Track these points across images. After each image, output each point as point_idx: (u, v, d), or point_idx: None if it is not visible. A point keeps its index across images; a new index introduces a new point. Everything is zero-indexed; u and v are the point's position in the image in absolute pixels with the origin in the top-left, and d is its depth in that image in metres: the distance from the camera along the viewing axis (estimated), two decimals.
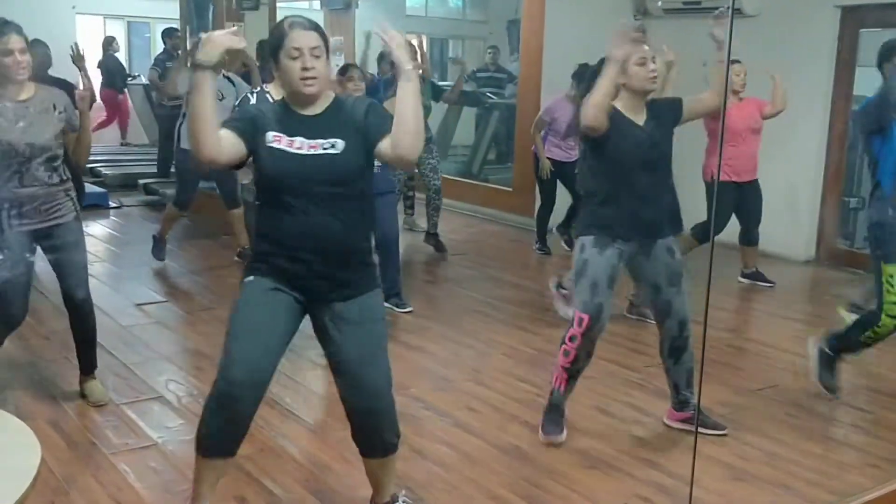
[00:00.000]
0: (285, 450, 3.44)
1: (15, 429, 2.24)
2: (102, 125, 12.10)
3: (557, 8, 7.50)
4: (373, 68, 8.70)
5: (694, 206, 5.99)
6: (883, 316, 3.83)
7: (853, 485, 3.30)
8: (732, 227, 6.14)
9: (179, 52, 9.37)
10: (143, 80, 11.31)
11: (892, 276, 3.73)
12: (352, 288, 2.65)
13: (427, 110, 6.63)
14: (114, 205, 8.65)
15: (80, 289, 3.79)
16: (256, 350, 2.56)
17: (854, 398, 4.23)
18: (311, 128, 2.59)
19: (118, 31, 13.20)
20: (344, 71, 5.16)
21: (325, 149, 2.57)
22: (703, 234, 6.05)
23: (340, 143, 2.58)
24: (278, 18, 9.15)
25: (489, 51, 11.78)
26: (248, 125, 2.60)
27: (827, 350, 4.10)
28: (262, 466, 3.31)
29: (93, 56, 12.14)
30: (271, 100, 3.99)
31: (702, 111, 3.73)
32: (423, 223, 7.42)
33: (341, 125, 2.61)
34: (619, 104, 3.45)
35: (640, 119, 3.48)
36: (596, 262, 3.44)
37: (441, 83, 11.01)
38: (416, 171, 6.86)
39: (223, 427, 2.61)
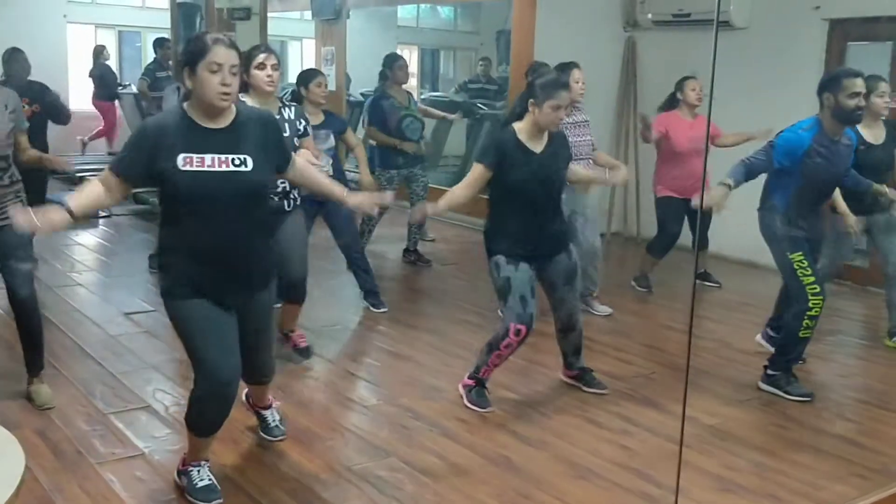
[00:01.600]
0: (272, 459, 3.43)
1: (0, 438, 2.24)
2: (101, 134, 12.04)
3: (548, 19, 7.53)
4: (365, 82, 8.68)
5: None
6: (809, 297, 4.11)
7: (840, 495, 3.31)
8: (726, 241, 6.17)
9: (171, 62, 9.40)
10: (134, 89, 11.29)
11: (800, 261, 4.13)
12: (257, 285, 3.01)
13: (423, 123, 6.62)
14: (103, 214, 8.62)
15: (23, 288, 3.84)
16: (231, 353, 2.93)
17: (841, 409, 4.25)
18: (219, 143, 2.80)
19: (109, 41, 13.17)
20: (311, 76, 5.13)
21: (236, 165, 2.80)
22: (658, 251, 6.11)
23: (250, 161, 2.83)
24: (269, 28, 9.21)
25: (481, 63, 11.82)
26: (136, 166, 2.84)
27: (774, 372, 4.29)
28: (248, 476, 3.31)
29: (84, 65, 12.14)
30: None
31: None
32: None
33: (247, 140, 2.85)
34: (521, 133, 3.83)
35: (538, 147, 3.85)
36: (517, 278, 3.83)
37: (433, 94, 11.04)
38: (409, 188, 6.77)
39: (216, 416, 3.01)
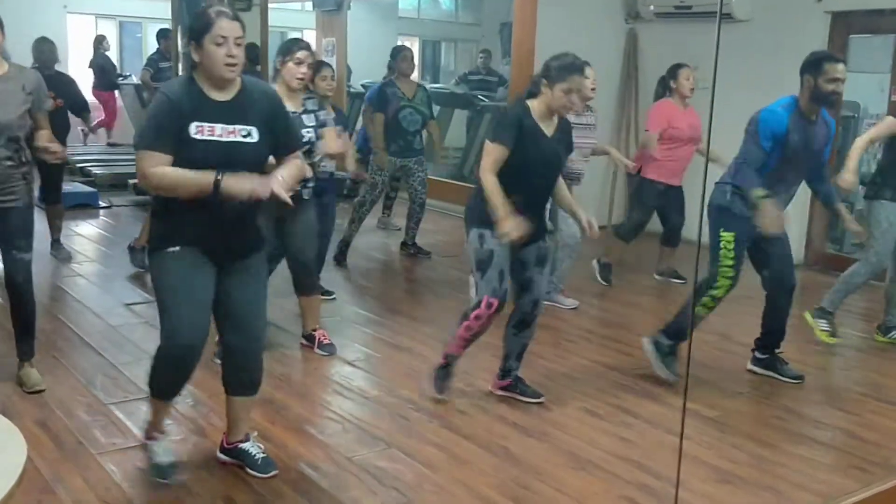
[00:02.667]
0: (273, 451, 3.43)
1: (1, 428, 2.24)
2: (101, 125, 12.03)
3: (549, 11, 7.51)
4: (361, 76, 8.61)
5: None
6: (718, 279, 4.16)
7: (839, 487, 3.32)
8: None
9: (172, 52, 9.39)
10: (135, 79, 11.27)
11: (729, 242, 4.14)
12: (249, 247, 3.06)
13: (425, 118, 6.61)
14: (103, 205, 8.63)
15: (20, 274, 3.88)
16: (199, 314, 2.94)
17: (841, 402, 4.25)
18: (227, 113, 2.86)
19: (110, 31, 13.15)
20: (317, 69, 5.18)
21: (243, 136, 2.86)
22: (628, 233, 6.13)
23: (255, 132, 2.90)
24: (270, 19, 9.19)
25: (481, 55, 11.80)
26: (172, 137, 2.81)
27: (664, 340, 4.32)
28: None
29: (84, 56, 12.12)
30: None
31: None
32: (398, 222, 7.61)
33: (252, 112, 2.91)
34: (535, 112, 3.75)
35: (550, 129, 3.79)
36: (500, 253, 3.76)
37: (433, 86, 11.03)
38: (406, 182, 6.79)
39: (177, 379, 3.06)
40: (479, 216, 3.80)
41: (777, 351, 4.46)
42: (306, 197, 4.38)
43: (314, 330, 4.66)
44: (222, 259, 3.00)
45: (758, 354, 4.50)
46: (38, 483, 3.09)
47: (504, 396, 4.04)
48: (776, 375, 4.41)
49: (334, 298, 5.57)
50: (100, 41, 11.94)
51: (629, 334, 5.11)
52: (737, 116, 5.87)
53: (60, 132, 6.19)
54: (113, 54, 12.55)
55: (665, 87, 5.96)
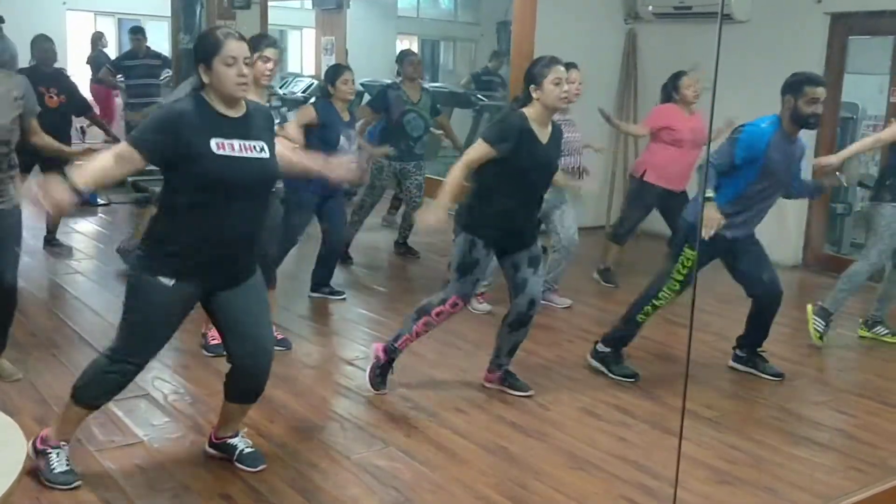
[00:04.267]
0: (271, 449, 3.43)
1: (1, 424, 2.24)
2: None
3: (549, 10, 7.51)
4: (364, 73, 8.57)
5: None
6: (663, 290, 4.26)
7: (837, 488, 3.33)
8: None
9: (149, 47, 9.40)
10: None
11: (688, 259, 4.18)
12: (252, 267, 3.08)
13: (428, 124, 6.58)
14: (102, 202, 8.61)
15: (8, 272, 3.87)
16: (163, 342, 3.05)
17: (839, 403, 4.26)
18: (239, 129, 2.90)
19: (109, 28, 13.14)
20: (338, 72, 5.26)
21: (257, 152, 2.91)
22: (623, 236, 6.14)
23: (267, 148, 2.98)
24: (270, 17, 9.19)
25: (493, 58, 11.71)
26: (160, 145, 2.80)
27: (604, 349, 4.42)
28: None
29: (83, 52, 12.11)
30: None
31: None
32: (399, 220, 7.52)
33: (260, 129, 2.99)
34: (530, 116, 3.72)
35: (544, 136, 3.77)
36: (484, 264, 3.85)
37: (433, 84, 11.02)
38: (403, 185, 6.67)
39: (112, 391, 3.07)
40: (473, 220, 3.83)
41: (759, 350, 4.55)
42: (272, 189, 4.40)
43: None
44: (219, 287, 3.00)
45: (738, 352, 4.58)
46: (37, 480, 3.09)
47: (502, 395, 4.04)
48: (756, 372, 4.48)
49: (344, 298, 5.58)
50: (98, 38, 11.91)
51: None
52: (736, 117, 5.90)
53: (62, 129, 6.19)
54: (111, 51, 12.52)
55: (667, 94, 5.94)
